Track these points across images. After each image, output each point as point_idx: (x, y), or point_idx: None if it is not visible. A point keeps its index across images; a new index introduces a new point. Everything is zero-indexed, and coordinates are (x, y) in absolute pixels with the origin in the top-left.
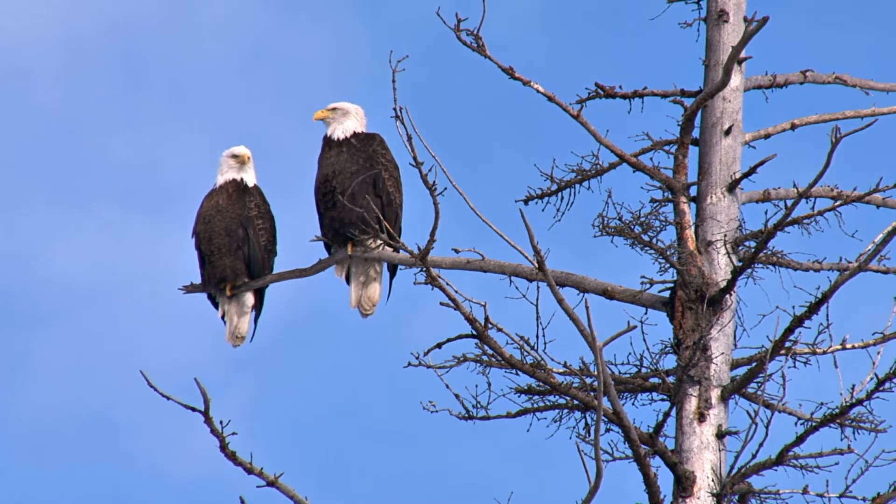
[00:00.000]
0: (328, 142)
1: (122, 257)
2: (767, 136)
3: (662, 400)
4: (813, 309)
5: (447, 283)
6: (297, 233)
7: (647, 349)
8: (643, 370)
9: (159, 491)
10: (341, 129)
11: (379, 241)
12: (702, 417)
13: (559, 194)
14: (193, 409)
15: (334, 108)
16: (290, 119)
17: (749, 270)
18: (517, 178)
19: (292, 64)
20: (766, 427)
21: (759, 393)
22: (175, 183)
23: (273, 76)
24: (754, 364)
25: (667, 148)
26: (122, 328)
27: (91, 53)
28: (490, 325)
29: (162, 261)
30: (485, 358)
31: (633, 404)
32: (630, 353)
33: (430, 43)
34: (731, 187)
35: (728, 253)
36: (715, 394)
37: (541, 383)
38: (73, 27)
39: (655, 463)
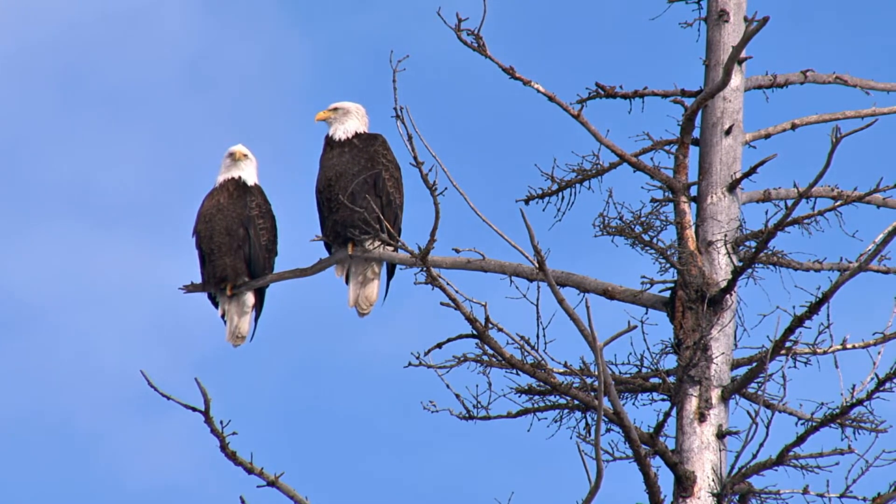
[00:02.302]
0: (330, 142)
1: (72, 269)
2: (768, 136)
3: (663, 400)
4: (813, 309)
5: (447, 283)
6: (298, 233)
7: (648, 349)
8: (643, 370)
9: (120, 500)
10: (343, 130)
11: (378, 242)
12: (702, 417)
13: (560, 194)
14: (194, 409)
15: (335, 108)
16: (231, 131)
17: (749, 270)
18: (517, 178)
19: (232, 78)
20: (767, 427)
21: (759, 393)
22: (121, 195)
23: (213, 90)
24: (755, 364)
25: (667, 148)
26: (76, 338)
27: (30, 70)
28: (490, 325)
29: (112, 270)
30: (485, 358)
31: (633, 404)
32: (630, 353)
33: (367, 58)
34: (732, 187)
35: (728, 253)
36: (715, 394)
37: (541, 383)
38: (10, 45)
39: (656, 463)
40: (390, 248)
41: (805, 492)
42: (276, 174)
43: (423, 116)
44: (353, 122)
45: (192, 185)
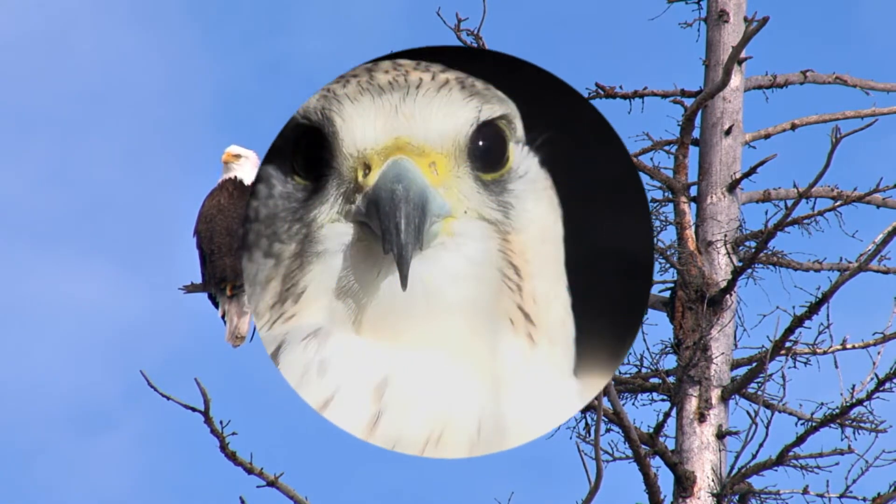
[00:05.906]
0: None
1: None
2: (767, 136)
3: (663, 400)
4: (813, 309)
5: None
6: None
7: (648, 349)
8: (643, 370)
9: None
10: None
11: None
12: (702, 417)
13: None
14: (194, 410)
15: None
16: (145, 151)
17: (749, 270)
18: None
19: (145, 96)
20: (767, 427)
21: (759, 393)
22: (44, 211)
23: (128, 109)
24: (754, 364)
25: (667, 148)
26: (8, 354)
27: None
28: None
29: (42, 286)
30: None
31: (633, 404)
32: (630, 353)
33: (270, 86)
34: (732, 187)
35: (728, 253)
36: (715, 394)
37: None
38: None
39: (655, 463)
40: None
41: (805, 492)
42: (191, 192)
43: None
44: None
45: (105, 203)
